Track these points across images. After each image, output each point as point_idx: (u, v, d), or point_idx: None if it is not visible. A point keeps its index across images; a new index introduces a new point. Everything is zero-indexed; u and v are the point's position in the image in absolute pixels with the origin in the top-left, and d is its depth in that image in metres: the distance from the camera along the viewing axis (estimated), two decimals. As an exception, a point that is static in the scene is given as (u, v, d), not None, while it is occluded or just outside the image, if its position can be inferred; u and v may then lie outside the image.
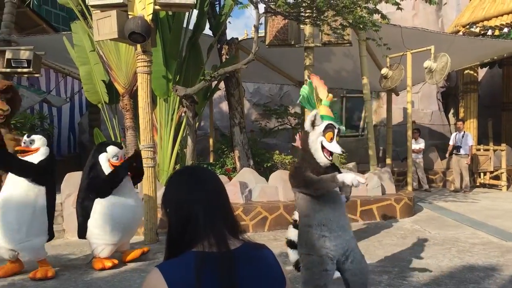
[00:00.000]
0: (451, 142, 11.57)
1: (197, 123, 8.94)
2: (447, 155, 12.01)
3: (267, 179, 7.92)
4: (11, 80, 10.04)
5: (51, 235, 5.03)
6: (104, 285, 4.63)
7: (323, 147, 3.34)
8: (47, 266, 4.94)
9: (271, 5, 7.28)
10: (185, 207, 1.40)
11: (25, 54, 8.84)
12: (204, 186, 1.44)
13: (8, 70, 8.93)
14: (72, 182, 7.41)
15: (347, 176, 3.14)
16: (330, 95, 3.63)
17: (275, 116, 13.15)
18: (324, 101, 3.56)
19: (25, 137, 4.95)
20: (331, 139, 3.34)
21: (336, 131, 3.39)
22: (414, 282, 4.63)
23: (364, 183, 3.14)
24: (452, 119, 15.30)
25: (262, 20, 8.06)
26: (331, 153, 3.34)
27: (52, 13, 15.39)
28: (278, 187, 7.70)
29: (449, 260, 5.38)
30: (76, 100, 15.52)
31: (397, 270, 5.02)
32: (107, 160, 5.12)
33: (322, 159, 3.36)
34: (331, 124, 3.37)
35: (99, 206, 5.09)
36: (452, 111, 15.43)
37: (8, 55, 8.84)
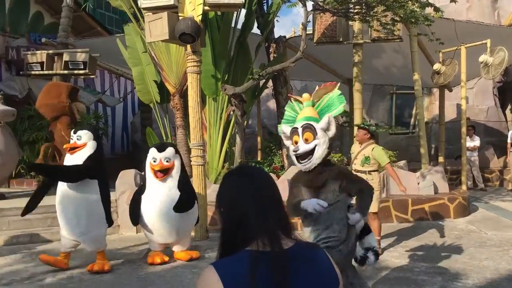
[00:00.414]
0: (509, 140, 11.06)
1: (245, 122, 9.01)
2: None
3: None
4: (68, 81, 10.51)
5: (109, 223, 5.27)
6: (157, 280, 4.77)
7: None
8: (104, 260, 5.14)
9: (320, 2, 7.23)
10: (238, 207, 1.42)
11: (81, 56, 9.24)
12: (257, 186, 1.46)
13: (65, 71, 9.36)
14: (125, 179, 7.67)
15: (308, 204, 3.10)
16: (304, 95, 3.56)
17: (323, 113, 13.01)
18: (304, 104, 3.50)
19: (72, 133, 5.17)
20: (296, 142, 3.31)
21: (300, 130, 3.31)
22: (469, 284, 4.47)
23: (325, 207, 3.07)
24: (509, 116, 14.60)
25: (310, 17, 8.01)
26: (304, 157, 3.28)
27: (106, 16, 15.96)
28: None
29: (507, 262, 5.16)
30: (129, 100, 16.02)
31: (451, 272, 4.87)
32: (148, 163, 5.26)
33: (298, 166, 3.36)
34: (293, 128, 3.35)
35: (148, 204, 5.27)
36: (509, 107, 14.73)
37: (66, 57, 9.26)
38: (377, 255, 3.49)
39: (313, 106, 3.50)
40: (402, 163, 9.43)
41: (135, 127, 15.29)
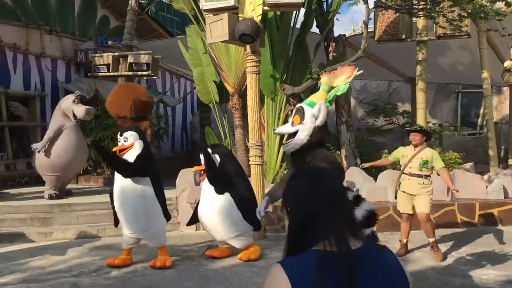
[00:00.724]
0: None
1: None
2: None
3: (375, 179, 7.69)
4: (133, 81, 10.90)
5: (167, 218, 5.44)
6: (216, 276, 4.84)
7: None
8: (166, 255, 5.28)
9: (382, -1, 7.06)
10: (305, 207, 1.42)
11: (144, 58, 9.56)
12: (324, 186, 1.44)
13: (130, 73, 9.72)
14: (185, 178, 7.85)
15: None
16: (323, 78, 3.55)
17: (382, 114, 12.72)
18: (321, 87, 3.52)
19: (118, 135, 5.32)
20: (292, 123, 3.36)
21: (305, 107, 3.32)
22: (544, 295, 4.20)
23: (262, 216, 3.26)
24: None
25: (371, 15, 7.83)
26: (287, 138, 3.37)
27: (168, 18, 16.43)
28: (387, 187, 7.45)
29: None
30: (188, 100, 16.39)
31: (523, 281, 4.59)
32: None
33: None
34: (298, 107, 3.38)
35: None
36: None
37: (130, 59, 9.62)
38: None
39: (328, 91, 3.49)
40: (468, 165, 9.01)
41: (194, 127, 15.61)
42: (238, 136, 8.33)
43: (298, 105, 3.38)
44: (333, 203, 1.42)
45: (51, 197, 7.93)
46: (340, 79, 3.49)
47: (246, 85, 7.69)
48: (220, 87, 8.82)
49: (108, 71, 9.88)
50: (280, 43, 8.08)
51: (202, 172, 5.43)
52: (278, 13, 7.95)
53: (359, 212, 3.28)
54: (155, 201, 5.26)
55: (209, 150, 5.44)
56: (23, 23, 10.83)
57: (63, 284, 4.76)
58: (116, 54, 9.73)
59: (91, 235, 6.86)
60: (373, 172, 8.09)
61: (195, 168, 5.54)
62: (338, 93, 3.50)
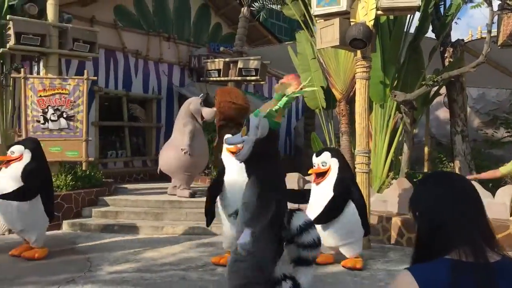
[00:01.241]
0: None
1: (415, 130, 8.56)
2: None
3: (493, 194, 7.09)
4: (240, 87, 11.25)
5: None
6: (318, 284, 4.78)
7: None
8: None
9: (509, 1, 6.51)
10: (436, 214, 1.35)
11: (253, 64, 9.82)
12: (457, 194, 1.36)
13: (239, 78, 10.06)
14: (289, 182, 7.89)
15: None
16: (276, 86, 3.67)
17: (504, 125, 11.72)
18: (274, 95, 3.60)
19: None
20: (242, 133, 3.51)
21: (248, 123, 3.42)
22: None
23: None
24: None
25: (495, 18, 7.26)
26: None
27: (276, 25, 16.73)
28: (506, 203, 6.83)
29: None
30: (293, 106, 16.49)
31: None
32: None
33: None
34: (247, 118, 3.47)
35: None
36: None
37: (240, 64, 9.95)
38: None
39: (280, 99, 3.53)
40: None
41: (298, 132, 15.66)
42: (344, 142, 8.20)
43: (249, 116, 3.49)
44: (467, 211, 1.33)
45: (192, 195, 8.32)
46: (290, 88, 3.54)
47: (354, 91, 7.56)
48: (328, 92, 8.76)
49: (219, 76, 10.31)
50: (392, 48, 7.82)
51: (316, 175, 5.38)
52: (391, 17, 7.71)
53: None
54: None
55: (329, 153, 5.38)
56: (145, 31, 11.71)
57: (172, 276, 5.03)
58: (227, 59, 10.12)
59: (198, 232, 7.17)
60: (490, 187, 7.49)
61: (312, 171, 5.44)
62: (282, 105, 3.49)
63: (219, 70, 10.32)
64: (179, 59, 12.49)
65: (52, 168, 8.07)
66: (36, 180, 5.66)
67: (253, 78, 9.97)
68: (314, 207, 5.33)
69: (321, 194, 5.30)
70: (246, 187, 3.56)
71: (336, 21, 6.15)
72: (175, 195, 8.50)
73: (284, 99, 3.51)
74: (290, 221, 3.47)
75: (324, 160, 5.29)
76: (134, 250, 6.18)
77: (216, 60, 10.42)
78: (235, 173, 5.03)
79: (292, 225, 3.46)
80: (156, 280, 4.89)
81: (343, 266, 5.33)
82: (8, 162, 5.69)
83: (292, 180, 7.96)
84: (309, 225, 3.49)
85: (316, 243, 3.49)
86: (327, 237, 5.30)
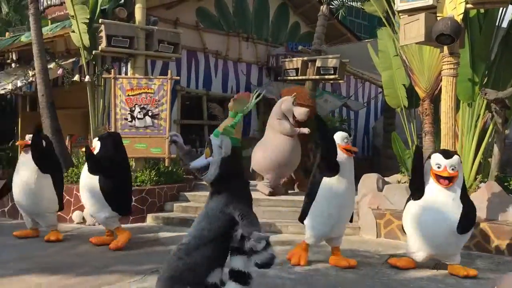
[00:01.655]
0: None
1: (506, 131, 8.00)
2: None
3: None
4: (318, 86, 11.16)
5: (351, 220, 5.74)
6: (400, 287, 4.63)
7: None
8: (340, 256, 5.43)
9: None
10: None
11: (332, 62, 9.68)
12: None
13: (317, 77, 9.96)
14: (367, 183, 7.73)
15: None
16: (230, 104, 3.75)
17: None
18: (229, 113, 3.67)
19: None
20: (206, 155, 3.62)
21: (211, 145, 3.56)
22: None
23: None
24: None
25: None
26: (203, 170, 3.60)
27: (355, 23, 16.41)
28: None
29: None
30: (372, 105, 16.10)
31: None
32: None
33: None
34: (208, 139, 3.63)
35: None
36: None
37: (318, 63, 9.85)
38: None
39: (235, 116, 3.61)
40: None
41: (376, 132, 15.26)
42: (427, 143, 7.85)
43: (209, 138, 3.60)
44: None
45: (271, 194, 8.36)
46: (242, 105, 3.66)
47: (439, 89, 7.22)
48: (410, 91, 8.43)
49: (297, 75, 10.28)
50: (481, 44, 7.36)
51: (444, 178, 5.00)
52: (481, 11, 7.26)
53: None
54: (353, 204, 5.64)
55: (458, 157, 5.08)
56: (225, 31, 11.98)
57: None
58: (305, 58, 10.06)
59: (275, 230, 7.21)
60: None
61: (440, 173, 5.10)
62: (237, 121, 3.58)
63: (297, 69, 10.29)
64: (257, 59, 12.65)
65: (137, 164, 8.55)
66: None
67: (331, 76, 9.82)
68: (439, 212, 4.96)
69: (445, 201, 4.96)
70: (211, 199, 3.64)
71: (422, 16, 5.92)
72: (274, 194, 8.45)
73: (239, 115, 3.61)
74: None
75: (454, 164, 4.96)
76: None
77: (294, 59, 10.40)
78: None
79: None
80: (235, 275, 4.98)
81: (450, 273, 5.08)
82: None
83: (370, 181, 7.77)
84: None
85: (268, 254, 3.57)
86: (444, 244, 5.02)
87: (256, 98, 3.70)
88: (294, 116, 8.28)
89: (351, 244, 6.38)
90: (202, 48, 11.46)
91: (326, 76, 9.96)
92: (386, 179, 8.13)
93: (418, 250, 5.13)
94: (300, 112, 8.22)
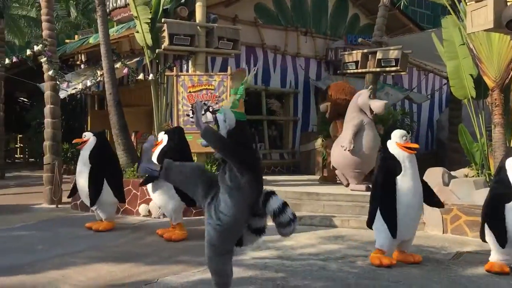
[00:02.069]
0: None
1: None
2: None
3: None
4: (378, 78, 10.91)
5: None
6: (469, 284, 4.46)
7: None
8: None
9: None
10: None
11: (393, 54, 9.45)
12: None
13: (378, 69, 9.76)
14: (432, 177, 7.44)
15: None
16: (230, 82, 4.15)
17: None
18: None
19: None
20: None
21: (217, 116, 3.81)
22: None
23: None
24: None
25: None
26: None
27: (418, 12, 15.87)
28: None
29: None
30: (436, 98, 15.54)
31: None
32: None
33: None
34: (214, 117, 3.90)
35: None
36: None
37: (379, 55, 9.63)
38: None
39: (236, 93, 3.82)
40: None
41: (441, 125, 14.71)
42: (496, 135, 7.46)
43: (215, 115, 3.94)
44: None
45: (368, 189, 8.39)
46: (239, 81, 4.01)
47: (509, 78, 6.86)
48: (478, 81, 8.05)
49: (356, 68, 10.12)
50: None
51: None
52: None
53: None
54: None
55: None
56: (283, 26, 11.99)
57: (312, 265, 5.10)
58: (365, 50, 9.88)
59: (336, 225, 7.15)
60: None
61: None
62: (237, 95, 3.79)
63: (356, 62, 10.12)
64: (316, 53, 12.56)
65: (199, 159, 8.76)
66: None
67: (393, 68, 9.57)
68: None
69: None
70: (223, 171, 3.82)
71: (490, 2, 5.61)
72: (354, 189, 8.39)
73: (241, 87, 3.81)
74: (266, 203, 3.68)
75: None
76: (274, 238, 6.37)
77: (354, 52, 10.23)
78: None
79: (268, 208, 3.67)
80: (297, 268, 5.00)
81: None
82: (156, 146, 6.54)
83: (435, 175, 7.49)
84: (284, 205, 3.69)
85: (292, 219, 3.66)
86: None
87: (250, 74, 3.96)
88: (371, 110, 8.10)
89: (416, 239, 6.14)
90: (261, 43, 11.54)
91: (388, 68, 9.73)
92: (452, 173, 7.82)
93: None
94: (378, 105, 7.99)
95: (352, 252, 5.57)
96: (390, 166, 5.12)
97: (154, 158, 6.40)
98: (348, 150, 8.08)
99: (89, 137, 6.87)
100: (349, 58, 10.31)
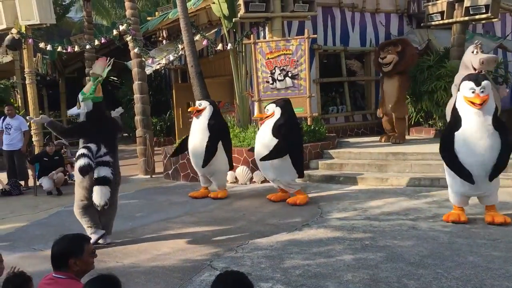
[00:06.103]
0: None
1: None
2: None
3: None
4: (467, 28, 10.15)
5: None
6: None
7: None
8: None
9: None
10: None
11: (483, 0, 8.73)
12: None
13: (466, 18, 9.10)
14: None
15: None
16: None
17: None
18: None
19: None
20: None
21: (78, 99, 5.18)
22: None
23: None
24: None
25: None
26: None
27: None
28: None
29: None
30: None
31: None
32: None
33: None
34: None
35: None
36: None
37: (467, 3, 8.95)
38: None
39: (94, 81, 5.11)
40: None
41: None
42: None
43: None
44: None
45: None
46: (99, 68, 5.07)
47: None
48: None
49: (442, 18, 9.50)
50: None
51: None
52: None
53: None
54: None
55: None
56: (360, -18, 11.47)
57: (401, 226, 5.03)
58: (452, -1, 9.22)
59: (425, 184, 6.94)
60: None
61: None
62: (95, 82, 5.03)
63: (442, 12, 9.48)
64: (396, 7, 11.92)
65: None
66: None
67: (483, 16, 8.85)
68: None
69: None
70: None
71: None
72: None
73: (98, 79, 5.02)
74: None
75: None
76: (360, 199, 6.36)
77: (439, 1, 9.57)
78: None
79: None
80: (385, 229, 4.96)
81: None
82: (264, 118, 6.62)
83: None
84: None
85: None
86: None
87: (108, 66, 5.04)
88: (474, 67, 7.40)
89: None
90: (337, 2, 11.15)
91: (477, 16, 9.02)
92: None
93: None
94: (475, 60, 7.18)
95: (443, 211, 5.38)
96: (451, 122, 5.02)
97: (268, 130, 6.41)
98: None
99: (205, 106, 7.13)
100: (434, 8, 9.69)
